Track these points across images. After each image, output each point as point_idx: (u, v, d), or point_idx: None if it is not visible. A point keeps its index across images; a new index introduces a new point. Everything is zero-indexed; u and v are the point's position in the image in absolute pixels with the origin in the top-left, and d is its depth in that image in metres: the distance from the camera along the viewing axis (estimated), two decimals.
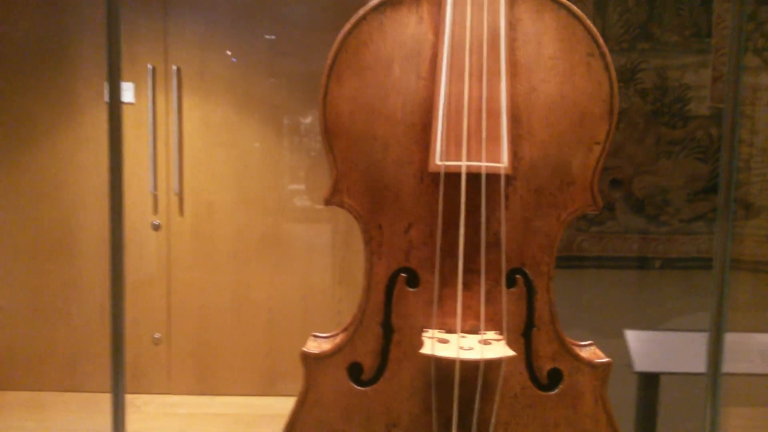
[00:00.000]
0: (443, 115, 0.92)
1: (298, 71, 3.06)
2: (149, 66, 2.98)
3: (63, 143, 3.06)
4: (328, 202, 1.04)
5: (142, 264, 3.12)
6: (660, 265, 1.95)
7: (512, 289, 1.01)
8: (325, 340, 1.12)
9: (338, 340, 1.06)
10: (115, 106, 1.31)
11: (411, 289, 1.01)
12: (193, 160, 3.06)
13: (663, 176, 1.92)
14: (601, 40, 0.94)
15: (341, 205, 1.02)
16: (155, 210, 3.09)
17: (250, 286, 3.12)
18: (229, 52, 3.01)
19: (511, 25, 0.94)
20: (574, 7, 0.94)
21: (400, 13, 0.94)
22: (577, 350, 1.10)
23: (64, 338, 3.14)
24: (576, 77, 0.95)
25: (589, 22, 0.95)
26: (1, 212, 3.07)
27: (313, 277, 3.12)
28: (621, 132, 1.91)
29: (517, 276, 1.01)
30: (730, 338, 1.80)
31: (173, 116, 3.01)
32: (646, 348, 1.76)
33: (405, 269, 1.01)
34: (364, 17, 0.96)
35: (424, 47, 0.94)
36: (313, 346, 1.09)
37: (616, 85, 0.98)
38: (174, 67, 2.99)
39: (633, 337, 1.77)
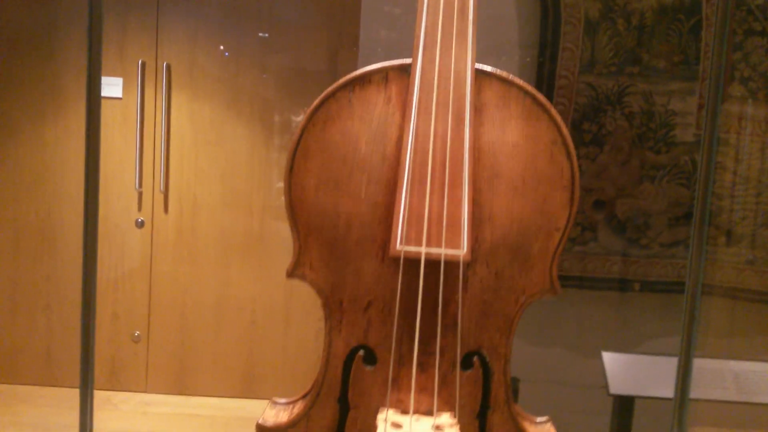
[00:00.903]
0: (406, 198, 0.92)
1: (288, 69, 3.05)
2: (139, 61, 2.96)
3: (47, 136, 3.04)
4: (290, 275, 1.05)
5: (124, 261, 3.10)
6: (639, 288, 1.96)
7: (468, 372, 1.02)
8: (283, 407, 1.11)
9: (295, 411, 1.06)
10: (93, 102, 1.30)
11: (368, 367, 1.02)
12: (180, 158, 3.04)
13: (645, 200, 1.93)
14: (564, 129, 0.96)
15: (303, 279, 1.03)
16: (140, 207, 3.07)
17: (232, 286, 3.10)
18: (221, 47, 2.99)
19: (477, 110, 0.94)
20: (540, 96, 0.95)
21: (369, 92, 0.94)
22: (531, 429, 1.09)
23: (42, 332, 3.12)
24: (539, 164, 0.96)
25: (553, 111, 0.97)
26: None
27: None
28: (605, 154, 1.92)
29: (474, 358, 1.02)
30: (705, 364, 1.81)
31: (161, 113, 2.99)
32: (622, 371, 1.77)
33: (363, 347, 1.01)
34: (333, 94, 0.96)
35: (391, 128, 0.95)
36: (270, 416, 1.08)
37: (578, 172, 1.00)
38: (164, 64, 2.97)
39: (609, 360, 1.79)
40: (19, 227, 3.06)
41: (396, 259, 0.97)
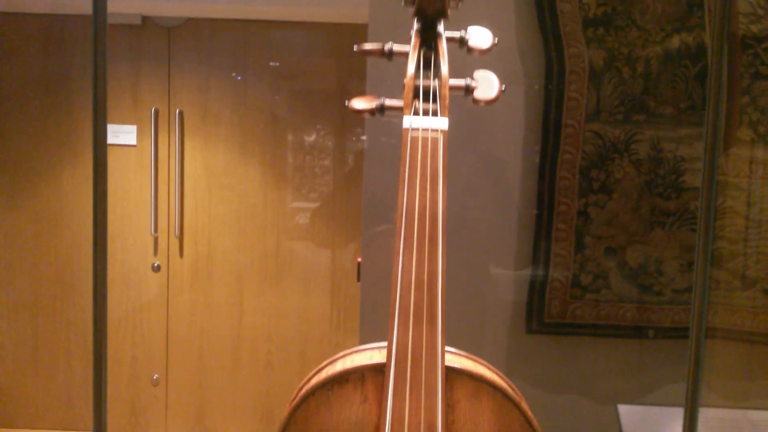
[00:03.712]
0: None
1: (298, 113, 3.09)
2: (152, 109, 3.01)
3: (64, 184, 3.10)
4: None
5: (141, 305, 3.14)
6: (654, 335, 1.95)
7: None
8: None
9: None
10: (100, 150, 1.33)
11: None
12: (194, 202, 3.08)
13: (656, 246, 1.92)
14: (535, 422, 0.99)
15: None
16: (156, 251, 3.11)
17: (248, 328, 3.13)
18: (233, 74, 3.03)
19: (450, 407, 0.98)
20: (510, 391, 0.99)
21: (347, 390, 0.98)
22: None
23: (63, 378, 3.17)
24: None
25: (523, 405, 1.00)
26: (2, 252, 3.10)
27: (311, 321, 3.13)
28: (615, 202, 1.92)
29: None
30: (722, 414, 1.79)
31: (175, 158, 3.04)
32: (638, 423, 1.75)
33: None
34: (312, 392, 0.99)
35: (368, 426, 0.98)
36: None
37: None
38: (177, 110, 3.03)
39: (625, 412, 1.77)
40: (39, 274, 3.12)
41: None
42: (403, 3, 1.04)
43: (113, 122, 2.95)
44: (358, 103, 1.05)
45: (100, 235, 1.35)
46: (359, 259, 2.02)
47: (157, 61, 3.01)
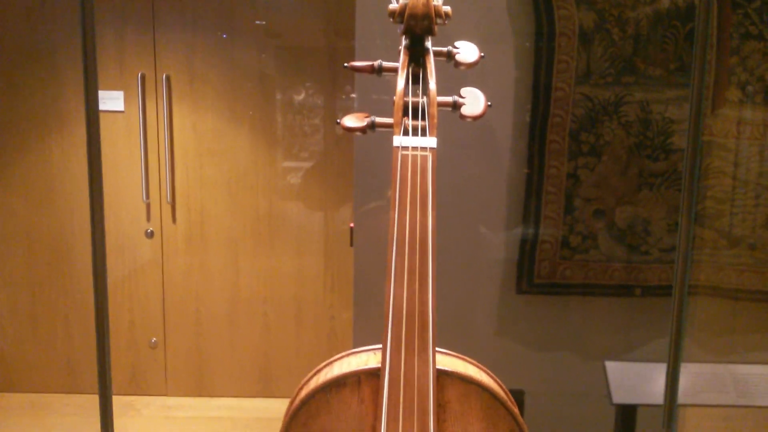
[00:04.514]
0: None
1: (288, 74, 3.05)
2: (139, 74, 2.98)
3: (53, 151, 3.08)
4: None
5: (137, 271, 3.16)
6: (641, 293, 1.99)
7: None
8: None
9: None
10: (92, 116, 1.34)
11: None
12: (185, 168, 3.07)
13: (644, 207, 1.95)
14: (520, 419, 1.05)
15: None
16: (148, 218, 3.12)
17: (243, 290, 3.17)
18: (219, 33, 2.97)
19: (441, 407, 1.04)
20: (498, 390, 1.05)
21: (344, 393, 1.04)
22: None
23: (63, 342, 3.21)
24: None
25: (509, 403, 1.06)
26: None
27: (305, 282, 3.17)
28: (604, 164, 1.93)
29: None
30: (705, 369, 1.85)
31: (164, 124, 3.02)
32: (625, 380, 1.81)
33: None
34: (312, 395, 1.04)
35: (365, 427, 1.04)
36: None
37: None
38: (164, 75, 2.99)
39: (612, 369, 1.83)
40: (32, 242, 3.12)
41: None
42: (392, 20, 1.07)
43: (100, 89, 2.91)
44: (350, 122, 1.08)
45: (97, 201, 1.37)
46: (351, 225, 2.04)
47: (142, 25, 2.96)
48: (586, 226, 1.97)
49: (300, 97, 3.05)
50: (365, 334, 1.98)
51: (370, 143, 1.83)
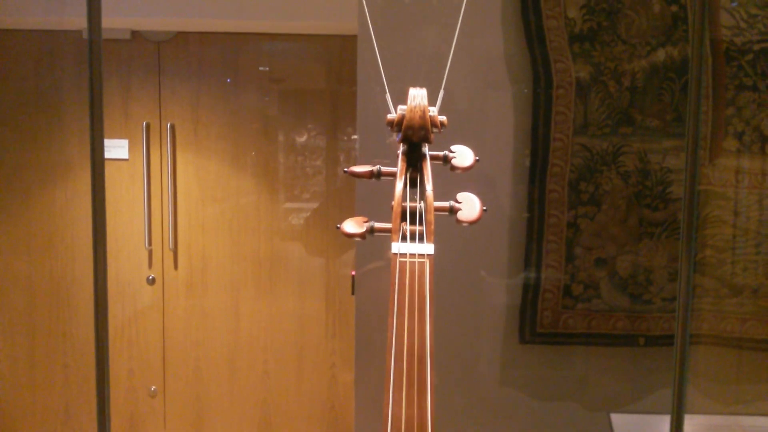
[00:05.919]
0: None
1: (290, 126, 3.10)
2: (144, 123, 3.02)
3: (57, 199, 3.10)
4: None
5: (137, 318, 3.15)
6: (645, 343, 1.98)
7: None
8: None
9: None
10: (97, 164, 1.35)
11: None
12: (188, 215, 3.09)
13: (645, 256, 1.95)
14: None
15: None
16: (150, 264, 3.12)
17: (244, 338, 3.15)
18: (228, 80, 3.02)
19: None
20: None
21: None
22: None
23: (61, 389, 3.18)
24: None
25: None
26: None
27: (307, 330, 3.15)
28: (604, 213, 1.94)
29: None
30: (713, 421, 1.83)
31: (167, 172, 3.05)
32: (630, 431, 1.78)
33: None
34: None
35: None
36: None
37: None
38: (168, 124, 3.03)
39: (618, 420, 1.80)
40: (34, 287, 3.12)
41: None
42: (390, 129, 1.11)
43: (105, 137, 2.95)
44: (350, 227, 1.11)
45: (100, 248, 1.37)
46: (353, 273, 2.04)
47: (148, 75, 3.02)
48: (588, 274, 1.97)
49: (302, 138, 3.09)
50: (367, 386, 1.96)
51: (371, 191, 1.85)
